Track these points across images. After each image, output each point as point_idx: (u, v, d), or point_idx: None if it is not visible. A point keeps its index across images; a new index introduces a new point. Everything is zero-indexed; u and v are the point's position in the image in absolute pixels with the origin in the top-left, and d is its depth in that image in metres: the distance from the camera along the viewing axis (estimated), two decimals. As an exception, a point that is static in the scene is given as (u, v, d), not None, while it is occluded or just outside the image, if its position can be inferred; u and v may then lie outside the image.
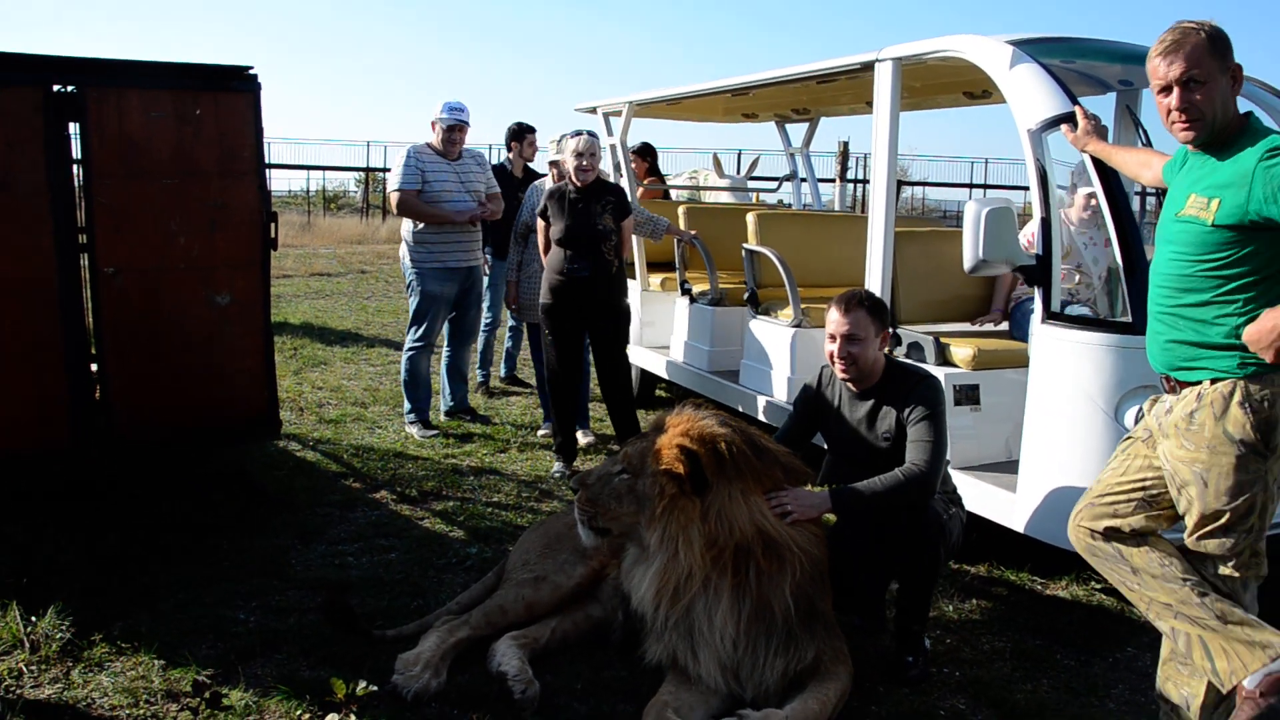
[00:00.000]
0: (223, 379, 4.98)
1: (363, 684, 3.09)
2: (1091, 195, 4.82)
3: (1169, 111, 2.82)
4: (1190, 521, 2.87)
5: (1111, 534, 3.02)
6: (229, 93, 4.82)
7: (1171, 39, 2.78)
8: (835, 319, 3.67)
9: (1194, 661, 2.81)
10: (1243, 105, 4.96)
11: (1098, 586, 4.43)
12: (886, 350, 3.79)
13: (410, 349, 6.67)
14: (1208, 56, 2.74)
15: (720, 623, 3.15)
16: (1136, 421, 3.57)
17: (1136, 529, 2.99)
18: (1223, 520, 2.80)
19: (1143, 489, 2.99)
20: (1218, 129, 2.81)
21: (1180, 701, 2.99)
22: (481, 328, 8.04)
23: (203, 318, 4.86)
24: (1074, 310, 4.47)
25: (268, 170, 6.76)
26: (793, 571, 3.21)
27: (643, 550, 3.30)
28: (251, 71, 4.88)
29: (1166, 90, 2.81)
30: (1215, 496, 2.79)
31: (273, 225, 5.02)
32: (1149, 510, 2.98)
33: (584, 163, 5.67)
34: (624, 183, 7.53)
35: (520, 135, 7.78)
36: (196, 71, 4.80)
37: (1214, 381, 2.80)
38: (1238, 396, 2.75)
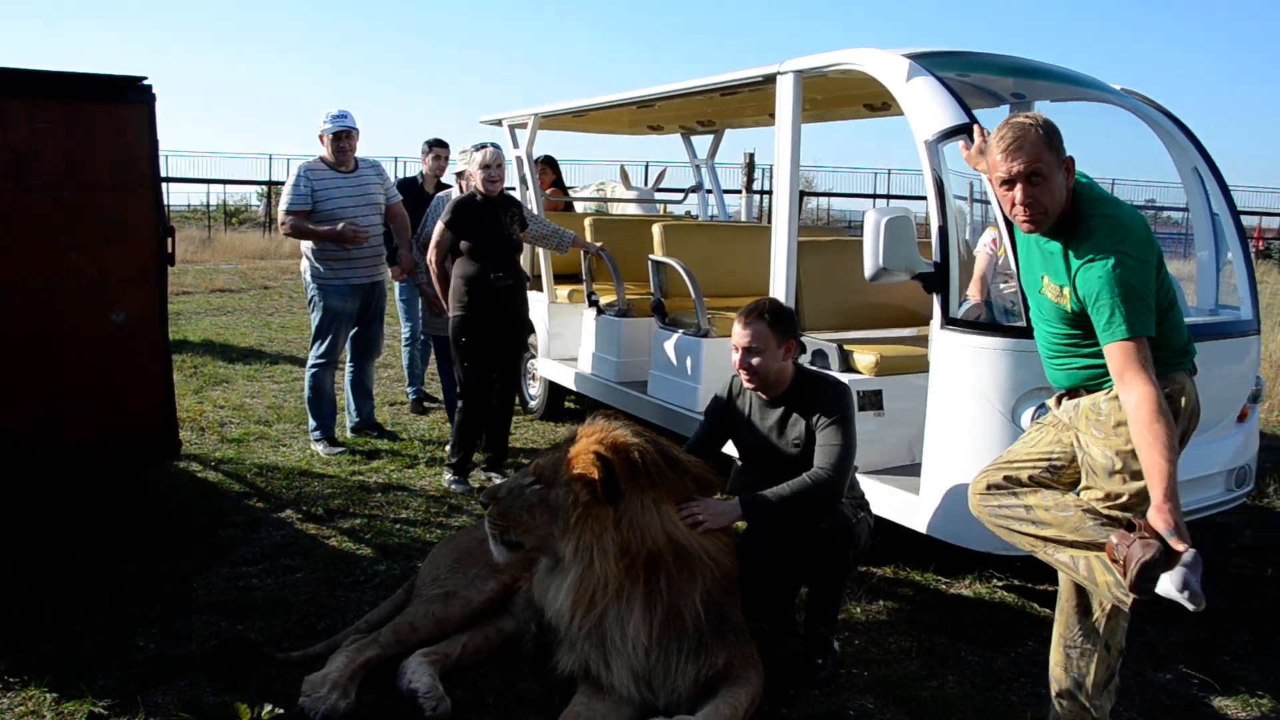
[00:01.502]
0: (118, 398, 4.82)
1: (268, 708, 3.04)
2: None
3: (1013, 204, 2.92)
4: (1091, 499, 2.98)
5: (1009, 481, 3.12)
6: (122, 104, 4.68)
7: (1012, 135, 2.86)
8: (737, 331, 3.72)
9: (1097, 581, 2.88)
10: (1126, 120, 5.19)
11: (999, 584, 4.56)
12: (794, 358, 3.84)
13: (313, 365, 6.55)
14: (1046, 152, 2.84)
15: (633, 631, 3.16)
16: (1035, 418, 3.69)
17: (1034, 478, 3.10)
18: (1121, 500, 2.91)
19: (1048, 459, 3.10)
20: (1054, 217, 2.92)
21: (1072, 684, 3.10)
22: (403, 343, 7.94)
23: (96, 335, 4.70)
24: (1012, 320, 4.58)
25: (165, 184, 6.57)
26: (703, 580, 3.24)
27: (556, 561, 3.30)
28: (146, 82, 4.75)
29: (1009, 184, 2.90)
30: (1121, 479, 2.90)
31: (169, 240, 4.89)
32: (1048, 475, 3.10)
33: (492, 174, 5.70)
34: (529, 195, 7.54)
35: (434, 149, 7.74)
36: (88, 82, 4.65)
37: None
38: None
